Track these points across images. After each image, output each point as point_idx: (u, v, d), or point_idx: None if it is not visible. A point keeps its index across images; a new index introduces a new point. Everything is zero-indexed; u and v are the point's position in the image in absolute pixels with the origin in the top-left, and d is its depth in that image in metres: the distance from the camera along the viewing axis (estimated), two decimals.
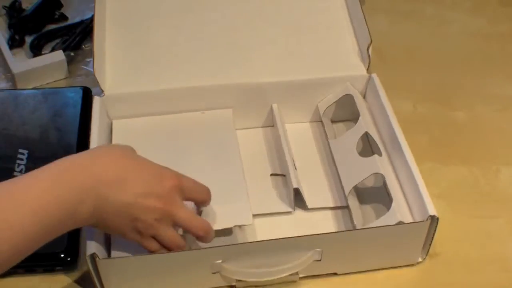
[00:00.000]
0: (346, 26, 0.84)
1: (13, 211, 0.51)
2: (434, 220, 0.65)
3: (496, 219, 0.74)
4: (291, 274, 0.65)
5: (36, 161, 0.73)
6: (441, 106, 0.88)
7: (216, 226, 0.65)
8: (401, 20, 1.01)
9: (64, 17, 0.99)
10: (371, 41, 0.78)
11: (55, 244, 0.64)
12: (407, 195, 0.70)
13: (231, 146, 0.75)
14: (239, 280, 0.65)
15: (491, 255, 0.71)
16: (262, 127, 0.82)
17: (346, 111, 0.81)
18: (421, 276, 0.69)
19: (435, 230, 0.66)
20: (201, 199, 0.64)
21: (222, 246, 0.63)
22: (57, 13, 0.99)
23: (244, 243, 0.67)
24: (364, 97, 0.81)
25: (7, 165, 0.72)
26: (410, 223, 0.67)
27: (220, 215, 0.66)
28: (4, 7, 0.98)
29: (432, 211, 0.65)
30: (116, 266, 0.62)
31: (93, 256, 0.61)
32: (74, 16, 0.99)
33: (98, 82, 0.74)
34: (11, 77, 0.88)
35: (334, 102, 0.80)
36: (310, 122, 0.83)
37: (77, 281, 0.67)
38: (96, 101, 0.74)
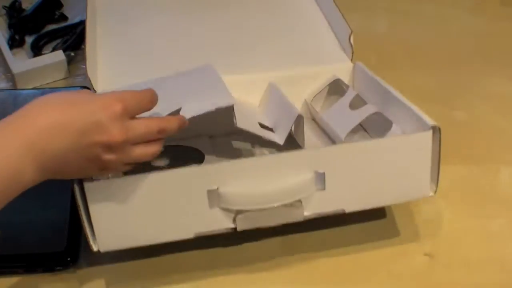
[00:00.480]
0: (321, 22, 0.87)
1: None
2: (436, 130, 0.63)
3: (496, 219, 0.74)
4: (295, 206, 0.62)
5: None
6: (441, 106, 0.88)
7: (197, 112, 0.62)
8: (401, 20, 1.02)
9: (64, 17, 0.99)
10: (351, 31, 0.79)
11: (55, 244, 0.64)
12: (406, 126, 0.69)
13: (219, 80, 0.71)
14: (240, 213, 0.61)
15: (491, 255, 0.71)
16: None
17: (335, 100, 0.80)
18: (421, 276, 0.69)
19: (439, 150, 0.64)
20: (148, 107, 0.59)
21: (216, 164, 0.61)
22: (57, 13, 0.99)
23: (241, 159, 0.63)
24: (352, 84, 0.81)
25: None
26: (413, 134, 0.65)
27: (200, 104, 0.63)
28: (4, 7, 0.99)
29: (431, 122, 0.64)
30: (103, 190, 0.59)
31: (80, 182, 0.58)
32: (74, 16, 0.99)
33: (90, 82, 0.74)
34: (11, 77, 0.88)
35: (323, 91, 0.80)
36: None
37: (77, 281, 0.67)
38: None
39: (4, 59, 0.90)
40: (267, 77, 0.79)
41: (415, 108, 0.68)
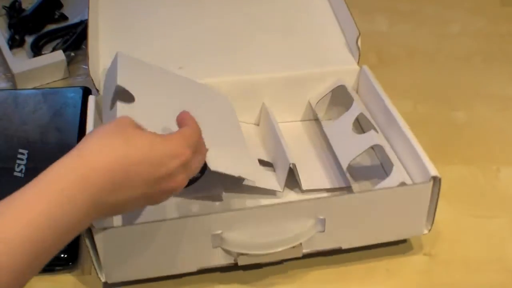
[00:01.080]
0: (332, 22, 0.85)
1: (8, 227, 0.46)
2: (436, 181, 0.64)
3: (496, 219, 0.74)
4: (295, 247, 0.63)
5: (36, 161, 0.73)
6: (441, 106, 0.88)
7: (221, 169, 0.63)
8: (401, 20, 1.02)
9: (64, 17, 0.99)
10: (359, 33, 0.78)
11: None
12: (406, 164, 0.69)
13: (233, 116, 0.74)
14: (241, 254, 0.62)
15: (491, 255, 0.71)
16: (254, 124, 0.82)
17: (339, 109, 0.81)
18: (421, 276, 0.69)
19: (438, 195, 0.64)
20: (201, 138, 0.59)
21: (221, 212, 0.62)
22: (57, 13, 0.99)
23: (245, 208, 0.64)
24: (356, 91, 0.81)
25: (7, 165, 0.73)
26: (413, 184, 0.66)
27: (224, 161, 0.64)
28: (4, 7, 0.99)
29: (433, 172, 0.64)
30: (111, 236, 0.60)
31: (89, 228, 0.59)
32: (74, 16, 0.99)
33: (93, 82, 0.74)
34: (11, 77, 0.88)
35: (327, 96, 0.80)
36: (302, 121, 0.83)
37: (77, 281, 0.66)
38: (91, 100, 0.73)
39: (4, 59, 0.90)
40: (271, 78, 0.79)
41: (418, 146, 0.68)
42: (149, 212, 0.64)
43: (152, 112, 0.64)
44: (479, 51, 0.97)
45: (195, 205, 0.69)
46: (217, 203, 0.69)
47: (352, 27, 0.80)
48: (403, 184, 0.65)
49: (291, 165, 0.69)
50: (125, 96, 0.64)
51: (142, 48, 0.80)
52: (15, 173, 0.72)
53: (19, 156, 0.73)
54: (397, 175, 0.67)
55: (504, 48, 0.98)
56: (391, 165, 0.69)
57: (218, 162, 0.63)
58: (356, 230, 0.66)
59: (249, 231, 0.62)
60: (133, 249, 0.61)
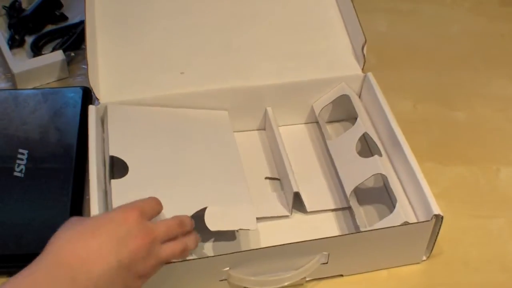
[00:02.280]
0: (339, 26, 0.84)
1: None
2: (438, 219, 0.65)
3: (496, 219, 0.74)
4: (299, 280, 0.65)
5: (36, 161, 0.73)
6: (441, 106, 0.88)
7: (220, 227, 0.65)
8: (401, 20, 1.01)
9: (64, 17, 0.99)
10: (365, 40, 0.78)
11: None
12: (409, 195, 0.70)
13: (231, 147, 0.75)
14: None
15: (491, 255, 0.71)
16: (257, 129, 0.82)
17: (342, 111, 0.81)
18: (421, 276, 0.69)
19: (439, 229, 0.66)
20: (160, 209, 0.62)
21: (229, 253, 0.63)
22: (57, 13, 0.99)
23: (251, 249, 0.66)
24: (359, 96, 0.81)
25: (7, 165, 0.72)
26: (416, 223, 0.67)
27: (224, 216, 0.66)
28: (4, 7, 0.98)
29: (436, 210, 0.65)
30: None
31: None
32: (74, 16, 0.99)
33: (93, 91, 0.74)
34: (11, 77, 0.88)
35: (330, 103, 0.80)
36: (306, 123, 0.83)
37: None
38: (92, 110, 0.73)
39: (4, 59, 0.90)
40: (275, 84, 0.78)
41: (421, 178, 0.68)
42: None
43: (147, 181, 0.67)
44: (479, 51, 0.97)
45: (208, 244, 0.69)
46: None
47: (359, 33, 0.79)
48: (406, 223, 0.66)
49: (295, 193, 0.71)
50: (119, 166, 0.69)
51: (143, 54, 0.79)
52: (15, 173, 0.72)
53: (19, 156, 0.73)
54: (400, 212, 0.67)
55: (504, 48, 0.98)
56: (394, 196, 0.70)
57: (217, 221, 0.65)
58: (357, 261, 0.67)
59: (255, 270, 0.64)
60: None
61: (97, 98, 0.74)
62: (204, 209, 0.66)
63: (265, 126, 0.81)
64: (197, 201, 0.66)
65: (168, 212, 0.63)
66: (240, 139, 0.78)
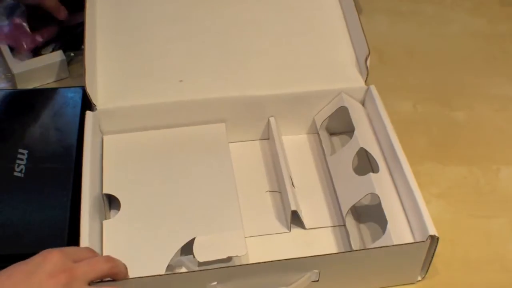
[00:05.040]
0: (343, 36, 0.83)
1: None
2: (434, 240, 0.63)
3: (496, 219, 0.74)
4: None
5: (36, 161, 0.73)
6: (441, 106, 0.88)
7: (210, 257, 0.65)
8: (401, 20, 1.01)
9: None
10: (369, 52, 0.77)
11: (55, 244, 0.64)
12: (407, 212, 0.68)
13: (225, 165, 0.74)
14: None
15: (491, 255, 0.71)
16: (259, 139, 0.81)
17: (343, 123, 0.79)
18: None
19: (435, 250, 0.64)
20: (105, 268, 0.58)
21: (218, 268, 0.62)
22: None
23: (240, 265, 0.65)
24: (363, 104, 0.79)
25: (7, 165, 0.72)
26: (410, 243, 0.65)
27: (213, 244, 0.66)
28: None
29: (432, 230, 0.63)
30: None
31: None
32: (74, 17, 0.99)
33: (90, 97, 0.74)
34: (11, 77, 0.88)
35: (331, 115, 0.79)
36: (307, 134, 0.82)
37: None
38: (89, 116, 0.73)
39: (4, 59, 0.90)
40: (277, 95, 0.77)
41: (420, 198, 0.67)
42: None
43: (138, 216, 0.69)
44: (479, 51, 0.97)
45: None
46: None
47: (363, 45, 0.78)
48: (399, 243, 0.64)
49: (292, 211, 0.70)
50: (112, 202, 0.72)
51: (142, 60, 0.79)
52: (15, 173, 0.72)
53: (19, 156, 0.73)
54: (391, 235, 0.66)
55: (504, 48, 0.98)
56: (386, 217, 0.68)
57: (205, 251, 0.65)
58: (349, 279, 0.66)
59: (245, 284, 0.63)
60: None
61: (94, 104, 0.74)
62: (193, 240, 0.66)
63: (268, 136, 0.80)
64: (186, 232, 0.67)
65: (157, 245, 0.65)
66: (241, 149, 0.78)
